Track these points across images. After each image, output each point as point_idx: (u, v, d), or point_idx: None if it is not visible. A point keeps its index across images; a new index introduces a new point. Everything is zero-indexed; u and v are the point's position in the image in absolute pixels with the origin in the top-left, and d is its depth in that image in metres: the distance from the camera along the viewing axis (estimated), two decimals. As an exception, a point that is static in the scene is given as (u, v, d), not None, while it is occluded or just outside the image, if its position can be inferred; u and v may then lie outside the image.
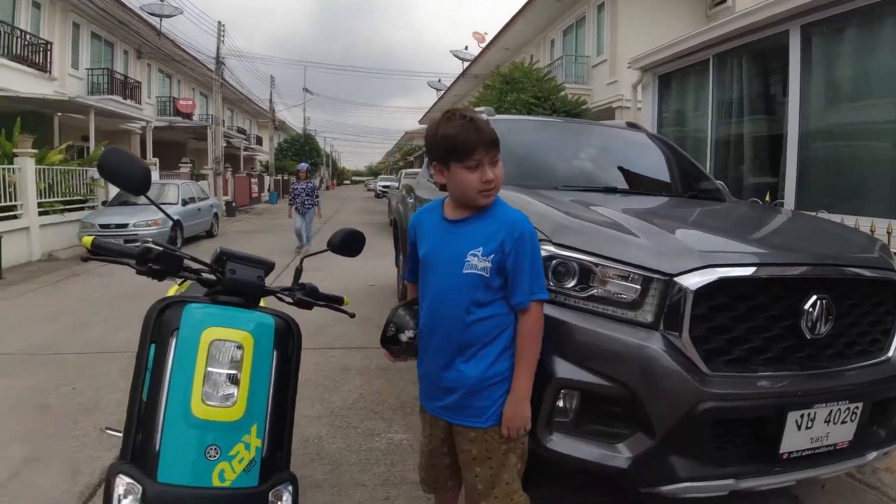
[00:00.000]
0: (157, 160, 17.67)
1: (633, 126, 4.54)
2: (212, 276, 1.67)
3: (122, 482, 1.36)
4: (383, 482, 2.93)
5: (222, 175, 23.56)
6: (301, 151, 46.98)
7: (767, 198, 4.98)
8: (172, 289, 2.31)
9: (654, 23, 13.47)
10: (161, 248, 1.59)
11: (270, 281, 1.77)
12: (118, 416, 3.39)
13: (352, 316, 2.25)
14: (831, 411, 2.11)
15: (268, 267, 1.72)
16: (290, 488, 1.54)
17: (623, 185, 3.58)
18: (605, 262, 2.08)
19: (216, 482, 1.40)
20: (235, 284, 1.62)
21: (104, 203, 13.08)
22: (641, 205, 3.02)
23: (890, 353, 2.38)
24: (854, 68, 4.87)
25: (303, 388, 3.93)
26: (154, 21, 21.72)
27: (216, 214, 15.45)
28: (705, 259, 2.03)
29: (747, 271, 2.04)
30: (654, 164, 4.02)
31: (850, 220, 4.20)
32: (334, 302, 1.97)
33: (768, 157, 5.89)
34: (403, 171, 15.07)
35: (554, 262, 2.15)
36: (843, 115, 5.08)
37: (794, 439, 2.08)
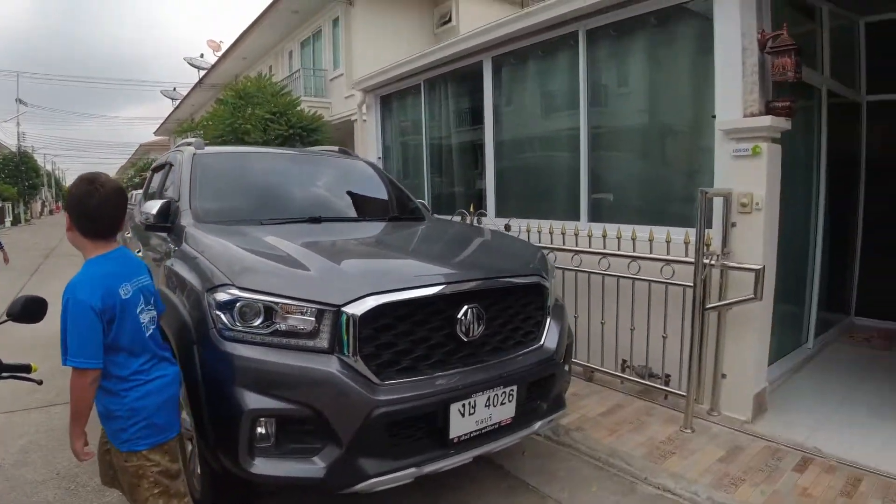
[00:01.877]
0: None
1: (344, 152, 4.87)
2: None
3: None
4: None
5: None
6: (16, 173, 40.88)
7: (472, 208, 5.65)
8: None
9: (386, 38, 14.23)
10: None
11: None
12: None
13: (39, 383, 2.20)
14: (489, 397, 2.61)
15: None
16: None
17: (328, 213, 3.84)
18: (283, 300, 2.34)
19: None
20: None
21: None
22: (335, 234, 3.34)
23: (542, 342, 2.97)
24: (533, 90, 5.76)
25: (28, 452, 3.66)
26: None
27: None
28: (368, 288, 2.38)
29: (404, 295, 2.43)
30: (361, 190, 4.37)
31: (534, 224, 4.99)
32: (20, 371, 1.94)
33: (475, 170, 6.64)
34: (135, 192, 13.96)
35: (239, 304, 2.35)
36: (527, 130, 5.93)
37: (460, 425, 2.53)
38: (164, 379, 2.18)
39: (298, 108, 12.06)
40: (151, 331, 2.18)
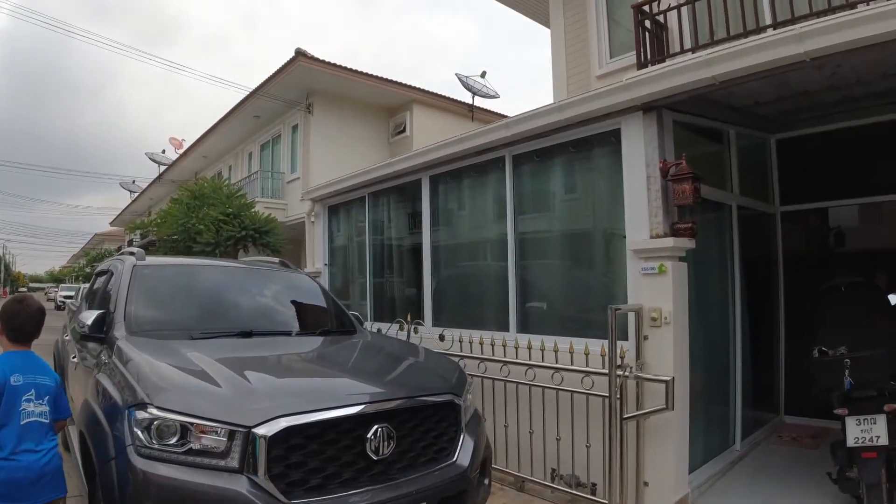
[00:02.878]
0: None
1: (284, 265, 5.06)
2: None
3: None
4: None
5: None
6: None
7: (409, 317, 5.84)
8: None
9: (343, 144, 14.78)
10: None
11: None
12: None
13: None
14: (401, 516, 2.70)
15: None
16: None
17: (260, 327, 3.95)
18: (197, 420, 2.46)
19: None
20: None
21: None
22: (263, 349, 3.48)
23: (454, 458, 3.08)
24: (466, 204, 6.17)
25: None
26: None
27: None
28: (278, 410, 2.51)
29: (313, 417, 2.57)
30: (296, 303, 4.54)
31: (467, 335, 5.20)
32: None
33: (416, 276, 6.87)
34: (83, 286, 13.75)
35: (156, 423, 2.46)
36: (461, 242, 6.27)
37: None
38: (20, 462, 2.64)
39: (253, 210, 12.32)
40: (34, 418, 2.72)
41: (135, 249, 4.57)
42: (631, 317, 4.23)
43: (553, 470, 4.62)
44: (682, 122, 4.65)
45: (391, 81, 15.07)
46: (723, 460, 5.17)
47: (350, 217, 8.04)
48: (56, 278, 65.18)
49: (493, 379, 4.86)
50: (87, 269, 34.15)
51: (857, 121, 5.79)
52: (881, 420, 3.74)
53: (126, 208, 34.11)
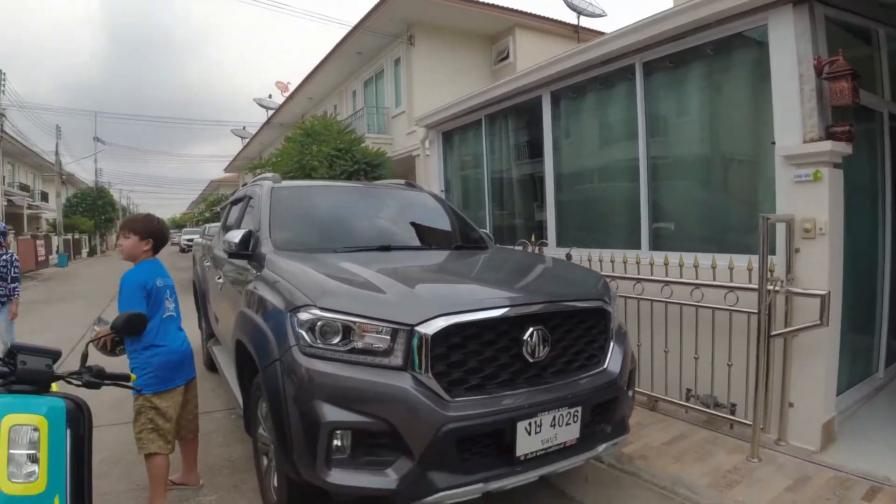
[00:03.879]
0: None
1: (410, 185, 5.10)
2: (5, 369, 1.83)
3: None
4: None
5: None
6: (93, 207, 43.30)
7: (533, 238, 5.77)
8: None
9: (446, 75, 14.65)
10: None
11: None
12: None
13: (139, 391, 2.46)
14: (555, 417, 2.68)
15: (55, 355, 1.90)
16: None
17: (397, 242, 4.05)
18: (360, 319, 2.51)
19: None
20: (27, 374, 1.80)
21: None
22: (405, 261, 3.52)
23: (605, 365, 3.03)
24: (591, 121, 5.86)
25: (108, 465, 3.92)
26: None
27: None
28: (439, 309, 2.53)
29: (473, 316, 2.57)
30: (427, 221, 4.57)
31: (595, 253, 5.06)
32: (121, 380, 2.19)
33: (537, 199, 6.74)
34: (207, 225, 14.67)
35: (320, 323, 2.55)
36: (587, 161, 6.00)
37: (527, 443, 2.61)
38: (170, 345, 3.30)
39: (363, 145, 12.50)
40: (171, 311, 3.38)
41: (269, 175, 4.72)
42: (780, 229, 3.94)
43: (688, 390, 4.48)
44: (831, 19, 4.17)
45: (492, 5, 14.65)
46: (867, 386, 4.86)
47: (466, 142, 7.93)
48: (178, 224, 69.93)
49: (626, 297, 4.71)
50: (206, 214, 36.35)
51: None
52: None
53: (238, 154, 35.72)
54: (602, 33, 15.46)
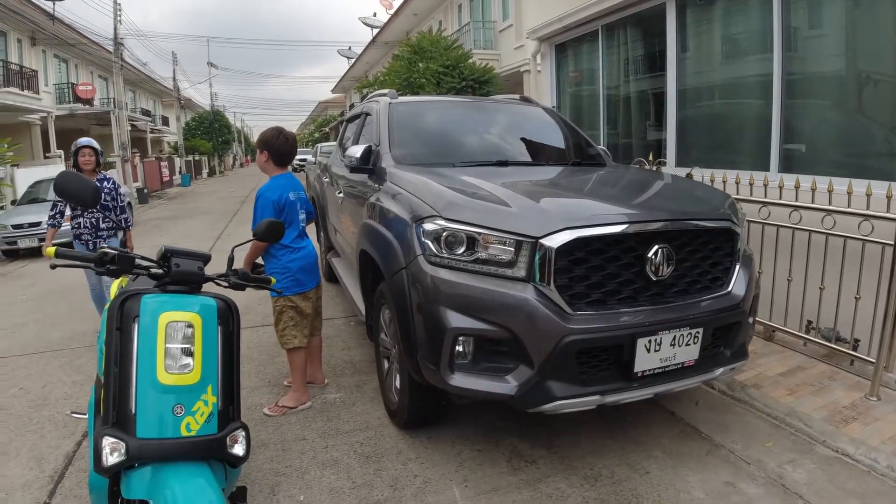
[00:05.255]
0: (61, 152, 16.94)
1: (526, 100, 4.96)
2: (160, 271, 2.00)
3: (108, 442, 1.69)
4: (322, 434, 3.36)
5: (130, 161, 22.24)
6: (210, 129, 45.47)
7: (650, 157, 5.52)
8: (115, 283, 2.61)
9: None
10: (116, 252, 1.93)
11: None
12: (71, 405, 3.65)
13: (280, 293, 2.64)
14: (675, 336, 2.64)
15: (206, 258, 2.06)
16: (244, 433, 1.90)
17: (514, 157, 4.01)
18: (485, 230, 2.54)
19: (184, 433, 1.76)
20: (181, 276, 1.96)
21: (13, 202, 12.60)
22: (524, 176, 3.46)
23: (730, 288, 2.93)
24: (721, 32, 5.39)
25: (242, 362, 4.28)
26: (47, 6, 20.39)
27: (129, 204, 15.12)
28: (564, 222, 2.50)
29: (598, 231, 2.53)
30: (543, 136, 4.48)
31: (719, 174, 4.75)
32: (263, 283, 2.35)
33: (654, 118, 6.38)
34: (319, 145, 15.11)
35: (445, 233, 2.60)
36: (713, 76, 5.58)
37: (645, 360, 2.61)
38: (304, 251, 3.58)
39: (470, 61, 12.27)
40: (302, 222, 3.60)
41: (386, 91, 4.75)
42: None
43: (809, 322, 4.25)
44: None
45: None
46: None
47: (580, 56, 7.58)
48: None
49: (750, 221, 4.45)
50: (316, 135, 37.28)
51: None
52: None
53: (345, 74, 36.10)
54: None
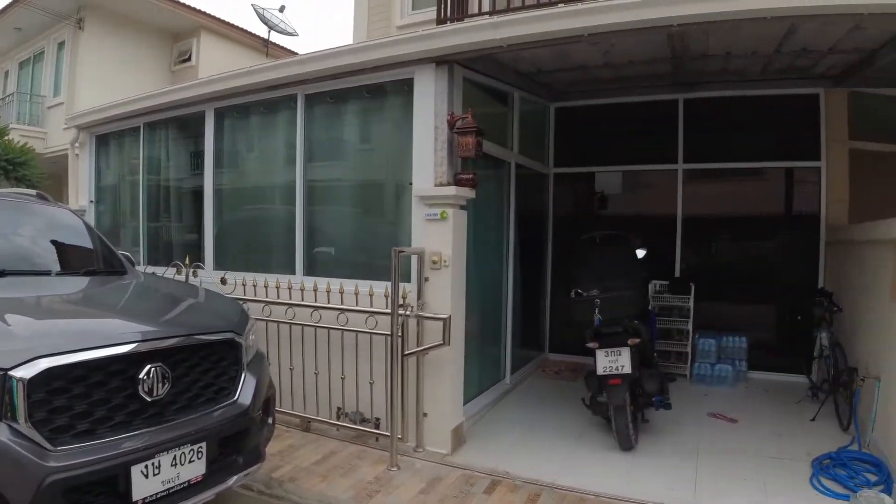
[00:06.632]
0: None
1: (42, 197, 4.42)
2: None
3: None
4: None
5: None
6: None
7: (187, 260, 5.52)
8: None
9: (118, 69, 13.21)
10: None
11: None
12: None
13: None
14: (175, 456, 2.62)
15: None
16: None
17: (13, 266, 3.40)
18: None
19: None
20: None
21: None
22: (15, 291, 3.02)
23: (236, 397, 3.04)
24: (254, 143, 5.88)
25: None
26: None
27: None
28: (35, 351, 2.29)
29: (75, 357, 2.37)
30: (55, 241, 3.98)
31: (251, 278, 5.10)
32: None
33: (195, 217, 6.39)
34: None
35: None
36: (247, 181, 5.98)
37: (144, 487, 2.50)
38: None
39: (6, 138, 10.63)
40: None
41: None
42: (414, 260, 4.48)
43: (339, 409, 4.80)
44: (472, 80, 4.92)
45: (177, 2, 13.75)
46: (494, 392, 5.77)
47: (122, 149, 7.24)
48: None
49: (279, 322, 4.85)
50: None
51: (625, 98, 6.66)
52: (625, 352, 4.42)
53: None
54: (293, 52, 15.67)
